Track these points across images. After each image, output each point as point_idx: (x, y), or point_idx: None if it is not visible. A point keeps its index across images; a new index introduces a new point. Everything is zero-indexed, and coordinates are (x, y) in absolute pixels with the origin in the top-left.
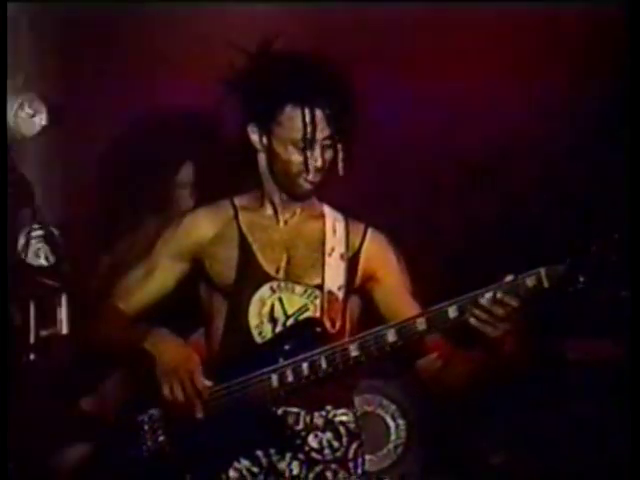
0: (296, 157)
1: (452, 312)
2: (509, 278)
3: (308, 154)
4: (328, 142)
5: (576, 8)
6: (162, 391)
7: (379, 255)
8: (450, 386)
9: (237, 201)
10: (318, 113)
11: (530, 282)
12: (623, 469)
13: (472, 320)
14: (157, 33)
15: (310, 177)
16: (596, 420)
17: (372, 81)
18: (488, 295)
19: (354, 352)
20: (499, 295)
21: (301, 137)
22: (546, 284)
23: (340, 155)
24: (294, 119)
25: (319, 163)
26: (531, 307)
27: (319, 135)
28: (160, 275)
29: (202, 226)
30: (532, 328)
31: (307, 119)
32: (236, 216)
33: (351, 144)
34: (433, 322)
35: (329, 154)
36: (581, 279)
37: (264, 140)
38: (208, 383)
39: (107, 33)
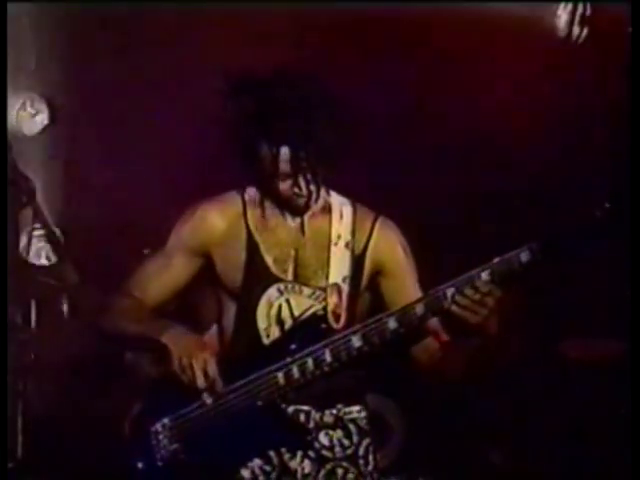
0: (282, 186)
1: (450, 293)
2: (497, 260)
3: (290, 183)
4: (307, 174)
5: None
6: (180, 378)
7: (387, 248)
8: (448, 377)
9: (247, 194)
10: (287, 151)
11: (524, 257)
12: (623, 469)
13: (453, 307)
14: (158, 33)
15: (298, 201)
16: (596, 420)
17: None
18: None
19: (357, 343)
20: (476, 281)
21: (279, 172)
22: (540, 258)
23: (318, 184)
24: (270, 156)
25: (304, 192)
26: (529, 299)
27: (295, 170)
28: (175, 269)
29: (213, 222)
30: (532, 328)
31: (280, 156)
32: (245, 213)
33: (328, 172)
34: (432, 305)
35: (312, 182)
36: (580, 249)
37: (255, 165)
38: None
39: (107, 33)
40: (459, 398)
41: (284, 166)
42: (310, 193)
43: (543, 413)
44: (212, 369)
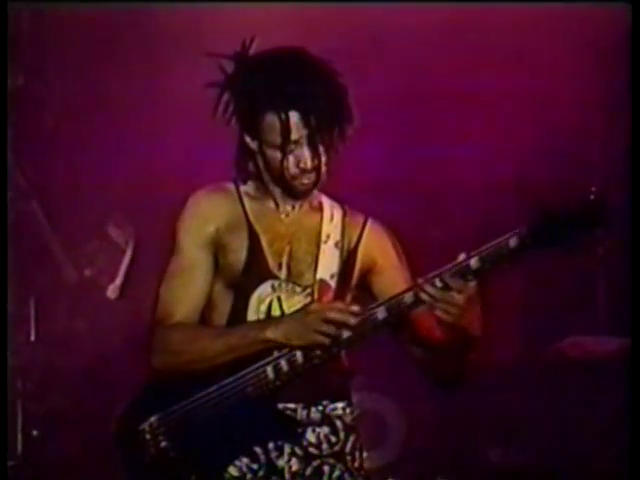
0: (285, 161)
1: (439, 282)
2: (485, 246)
3: (295, 158)
4: (313, 144)
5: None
6: (318, 344)
7: (378, 247)
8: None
9: (241, 187)
10: (295, 118)
11: (513, 242)
12: (622, 468)
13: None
14: (157, 32)
15: (303, 180)
16: (595, 419)
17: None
18: (437, 279)
19: (346, 334)
20: (446, 278)
21: (284, 142)
22: (529, 242)
23: (323, 158)
24: (275, 125)
25: (308, 165)
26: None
27: (300, 139)
28: (198, 269)
29: (219, 207)
30: (532, 326)
31: (287, 125)
32: (241, 202)
33: (336, 146)
34: (420, 294)
35: (318, 156)
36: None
37: (256, 145)
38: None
39: (107, 33)
40: (459, 397)
41: (293, 132)
42: (317, 169)
43: (543, 412)
44: (336, 307)
